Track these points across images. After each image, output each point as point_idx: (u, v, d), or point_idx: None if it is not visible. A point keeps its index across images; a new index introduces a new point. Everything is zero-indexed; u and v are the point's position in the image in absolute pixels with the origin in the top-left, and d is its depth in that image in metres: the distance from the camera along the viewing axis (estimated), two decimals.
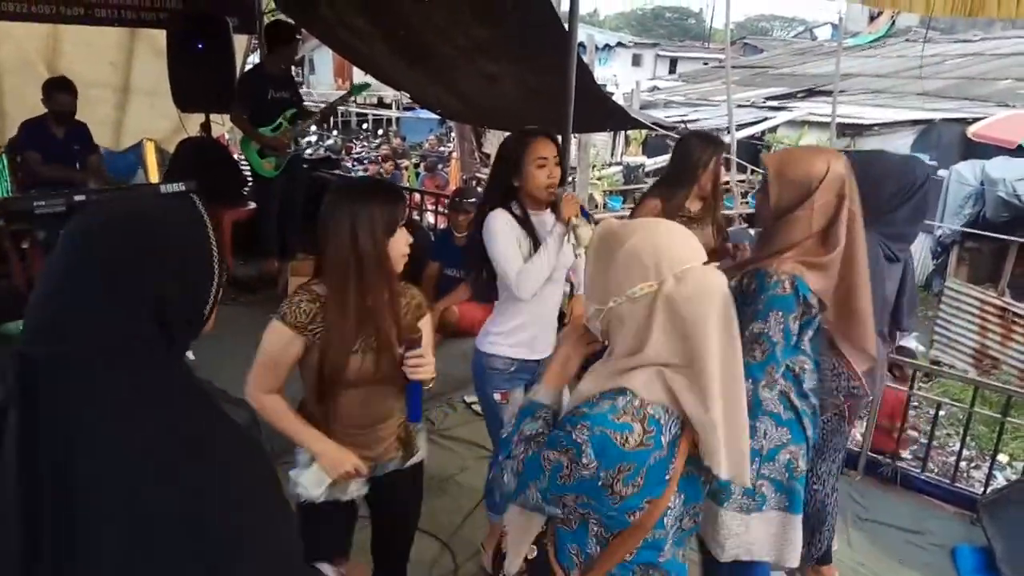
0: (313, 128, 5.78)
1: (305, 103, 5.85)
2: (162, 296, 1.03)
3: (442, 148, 18.49)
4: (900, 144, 12.16)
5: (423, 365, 1.96)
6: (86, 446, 0.97)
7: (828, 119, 11.90)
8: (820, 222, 2.08)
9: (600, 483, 1.33)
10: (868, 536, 3.40)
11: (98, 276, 1.01)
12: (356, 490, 2.07)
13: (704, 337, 1.31)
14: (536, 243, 2.54)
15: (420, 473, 2.26)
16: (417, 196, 7.88)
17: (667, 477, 1.35)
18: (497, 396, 2.69)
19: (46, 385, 0.97)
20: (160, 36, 6.04)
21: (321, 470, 1.92)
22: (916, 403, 6.17)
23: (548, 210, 2.61)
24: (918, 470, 4.04)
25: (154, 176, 8.12)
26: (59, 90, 5.08)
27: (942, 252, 11.48)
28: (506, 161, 2.58)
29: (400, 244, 1.92)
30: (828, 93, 13.04)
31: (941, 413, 4.59)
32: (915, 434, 5.49)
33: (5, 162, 5.32)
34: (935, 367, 5.95)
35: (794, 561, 2.23)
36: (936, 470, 5.47)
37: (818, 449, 2.70)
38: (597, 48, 23.72)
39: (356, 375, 1.93)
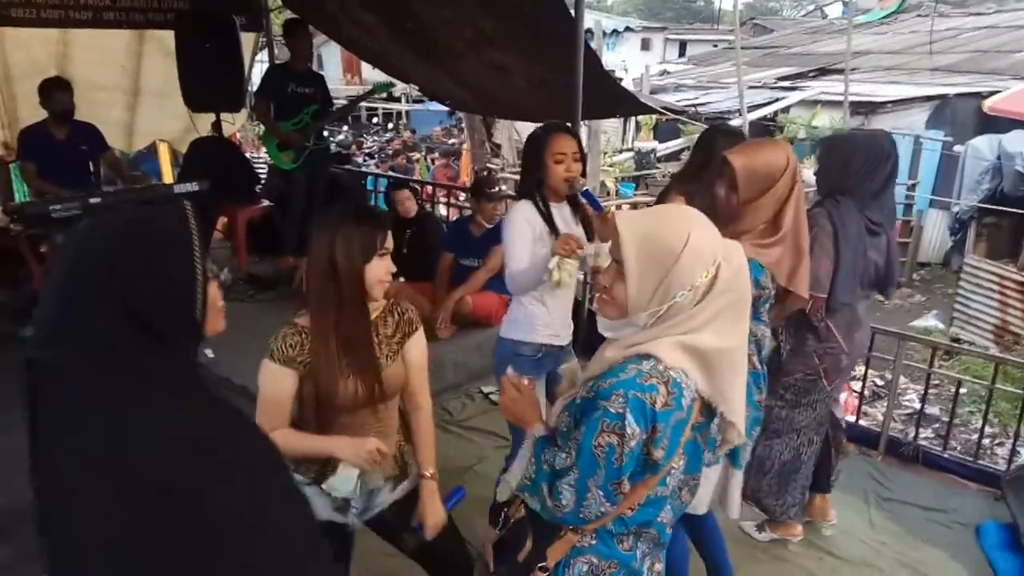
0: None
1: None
2: (143, 300, 1.07)
3: (453, 140, 18.48)
4: (914, 121, 12.02)
5: (436, 527, 2.06)
6: (74, 447, 1.03)
7: (841, 98, 11.77)
8: (776, 207, 2.39)
9: (643, 451, 1.39)
10: (891, 516, 3.39)
11: (83, 283, 1.07)
12: (352, 518, 2.07)
13: (745, 303, 1.45)
14: (556, 234, 2.59)
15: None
16: (429, 188, 7.91)
17: (681, 439, 1.43)
18: (525, 381, 2.71)
19: (44, 388, 1.05)
20: (168, 37, 6.08)
21: (347, 467, 1.90)
22: (937, 381, 6.12)
23: (566, 203, 2.68)
24: (940, 448, 4.02)
25: (168, 176, 8.18)
26: (58, 89, 5.01)
27: (960, 229, 11.34)
28: (528, 156, 2.67)
29: (378, 270, 1.92)
30: (840, 71, 12.90)
31: (963, 391, 4.54)
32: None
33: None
34: (955, 344, 5.89)
35: (735, 512, 2.59)
36: (959, 448, 5.43)
37: (792, 403, 2.94)
38: (605, 34, 23.56)
39: (347, 400, 1.94)
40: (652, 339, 1.43)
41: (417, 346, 2.11)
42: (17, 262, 4.56)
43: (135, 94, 7.32)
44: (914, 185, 11.33)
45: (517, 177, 2.87)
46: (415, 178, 12.04)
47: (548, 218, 2.62)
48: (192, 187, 5.04)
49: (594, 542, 1.52)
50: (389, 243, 1.96)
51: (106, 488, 1.02)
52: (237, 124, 7.80)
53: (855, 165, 2.78)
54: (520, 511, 1.66)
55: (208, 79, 5.82)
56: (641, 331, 1.46)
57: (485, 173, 10.51)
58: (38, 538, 1.06)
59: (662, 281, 1.41)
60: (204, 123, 6.51)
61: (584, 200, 2.64)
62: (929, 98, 12.40)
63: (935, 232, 11.82)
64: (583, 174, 2.65)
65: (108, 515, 1.02)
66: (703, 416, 1.47)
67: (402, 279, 4.89)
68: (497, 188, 4.75)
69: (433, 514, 2.07)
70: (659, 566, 1.59)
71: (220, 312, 1.22)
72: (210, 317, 1.17)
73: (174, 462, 1.03)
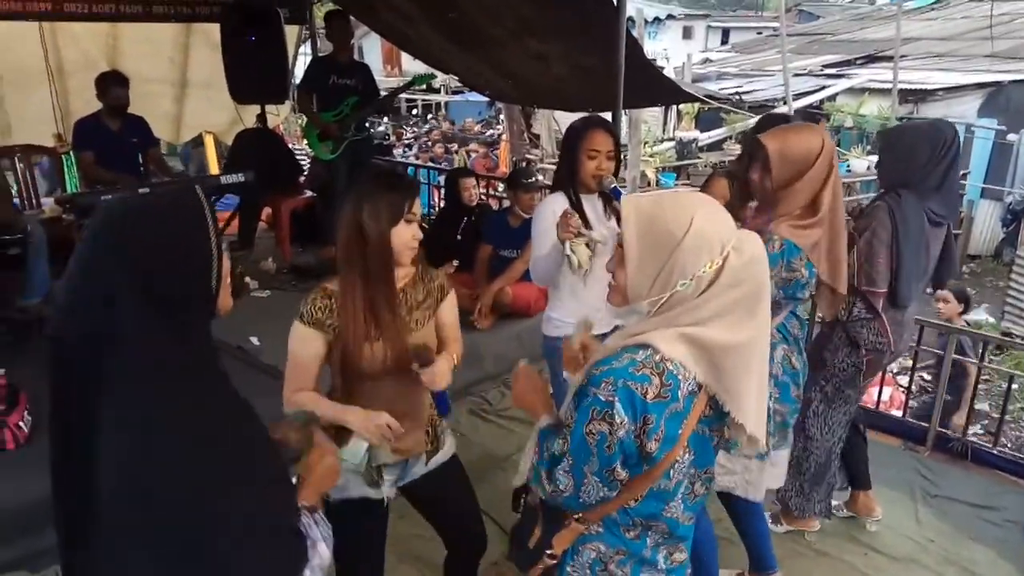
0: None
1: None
2: (156, 280, 1.10)
3: (491, 132, 18.47)
4: (966, 109, 11.69)
5: (437, 378, 1.99)
6: (94, 422, 1.08)
7: (889, 85, 11.51)
8: (813, 191, 2.36)
9: (634, 439, 1.36)
10: (938, 513, 3.32)
11: (98, 262, 1.11)
12: (387, 490, 2.08)
13: (761, 297, 1.38)
14: (587, 224, 2.65)
15: (457, 465, 2.27)
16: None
17: (680, 432, 1.38)
18: (567, 374, 2.74)
19: (60, 364, 1.10)
20: (214, 30, 6.17)
21: (358, 439, 1.92)
22: (987, 376, 5.97)
23: (598, 196, 2.74)
24: (989, 445, 3.92)
25: (214, 168, 8.32)
26: (116, 84, 5.13)
27: (1013, 220, 11.02)
28: (564, 147, 2.76)
29: (404, 234, 1.94)
30: (889, 59, 12.60)
31: (1014, 386, 4.43)
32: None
33: (74, 160, 5.50)
34: (1007, 339, 5.74)
35: (760, 496, 2.62)
36: (1009, 445, 5.30)
37: (830, 398, 2.90)
38: (646, 22, 23.32)
39: (373, 366, 1.96)
40: (653, 329, 1.39)
41: (450, 307, 2.17)
42: (70, 251, 4.68)
43: (183, 86, 7.44)
44: (965, 175, 11.02)
45: (555, 167, 2.91)
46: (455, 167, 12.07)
47: (579, 210, 2.66)
48: (239, 178, 5.15)
49: (601, 530, 1.52)
50: (417, 209, 1.97)
51: (104, 475, 1.08)
52: (281, 116, 7.92)
53: (920, 157, 2.70)
54: (535, 498, 1.66)
55: (253, 71, 5.91)
56: (644, 320, 1.43)
57: (524, 164, 10.50)
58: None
59: (662, 268, 1.36)
60: (249, 115, 6.61)
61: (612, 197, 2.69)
62: (982, 85, 12.05)
63: (986, 223, 11.50)
64: (616, 173, 2.69)
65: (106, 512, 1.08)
66: (711, 409, 1.42)
67: (456, 262, 4.95)
68: (534, 179, 4.76)
69: (442, 368, 2.02)
70: (680, 555, 1.56)
71: (227, 289, 1.24)
72: (221, 295, 1.20)
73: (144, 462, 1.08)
